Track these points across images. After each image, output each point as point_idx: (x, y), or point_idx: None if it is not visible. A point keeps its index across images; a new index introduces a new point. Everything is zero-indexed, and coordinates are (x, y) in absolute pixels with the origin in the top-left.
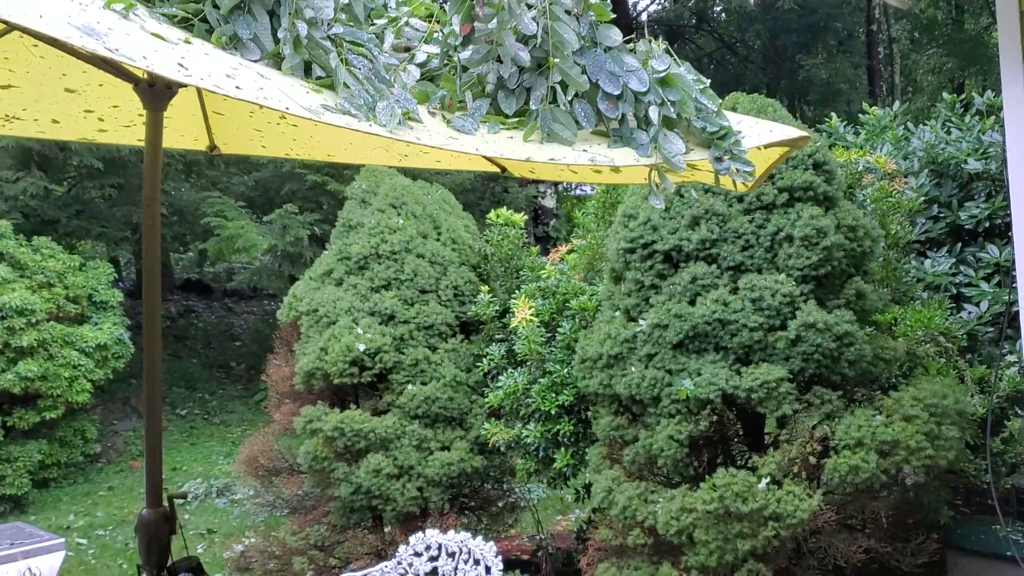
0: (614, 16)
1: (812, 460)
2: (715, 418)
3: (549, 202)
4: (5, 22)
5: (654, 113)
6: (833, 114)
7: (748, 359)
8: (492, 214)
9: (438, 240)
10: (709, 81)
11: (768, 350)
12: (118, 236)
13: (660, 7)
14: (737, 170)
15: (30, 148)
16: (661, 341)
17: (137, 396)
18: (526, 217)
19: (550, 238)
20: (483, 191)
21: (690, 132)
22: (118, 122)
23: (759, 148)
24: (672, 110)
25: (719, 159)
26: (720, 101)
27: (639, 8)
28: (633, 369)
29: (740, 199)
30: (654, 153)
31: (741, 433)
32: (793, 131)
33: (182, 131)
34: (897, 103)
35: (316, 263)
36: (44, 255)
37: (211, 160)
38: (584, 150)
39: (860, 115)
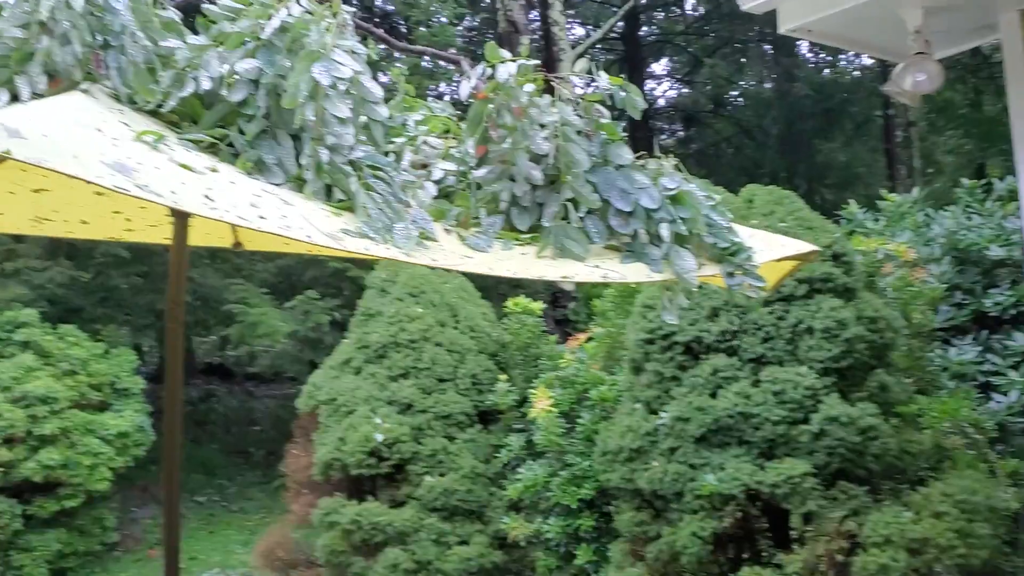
0: (625, 135)
1: (839, 558)
2: (740, 514)
3: (568, 285)
4: (44, 169)
5: (665, 230)
6: (852, 200)
7: (772, 453)
8: (510, 302)
9: (456, 328)
10: (720, 197)
11: (792, 444)
12: (142, 323)
13: (677, 93)
14: (749, 285)
15: (58, 238)
16: (683, 434)
17: (156, 484)
18: (544, 305)
19: (569, 322)
20: (500, 277)
21: (702, 247)
22: (145, 222)
23: (772, 261)
24: (683, 227)
25: (731, 274)
26: (731, 216)
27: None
28: (655, 463)
29: None
30: (666, 269)
31: (766, 529)
32: (804, 245)
33: (207, 230)
34: (916, 189)
35: (336, 351)
36: (69, 343)
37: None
38: (596, 266)
39: (879, 200)
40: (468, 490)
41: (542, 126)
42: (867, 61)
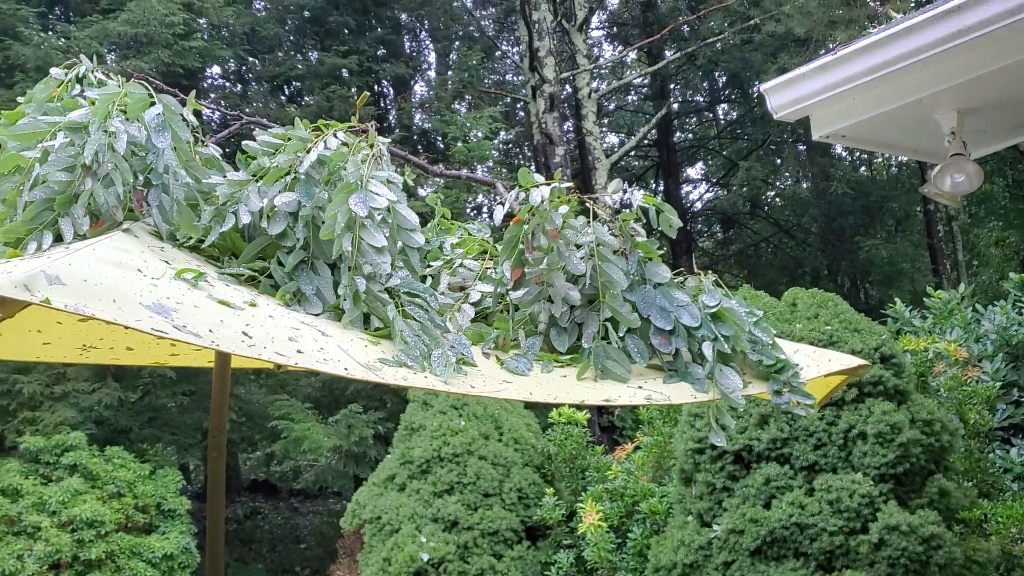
0: (662, 252)
1: None
2: None
3: None
4: (84, 315)
5: (708, 349)
6: (897, 299)
7: (831, 566)
8: (554, 412)
9: (500, 440)
10: (762, 313)
11: (851, 555)
12: (188, 442)
13: (714, 195)
14: (798, 403)
15: None
16: (738, 548)
17: None
18: (589, 415)
19: (615, 428)
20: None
21: (746, 364)
22: (189, 347)
23: (820, 377)
24: (726, 345)
25: (778, 392)
26: (774, 332)
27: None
28: None
29: None
30: (711, 389)
31: None
32: (852, 360)
33: None
34: (963, 285)
35: (379, 468)
36: (116, 464)
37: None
38: (640, 387)
39: (925, 297)
40: None
41: (578, 246)
42: (903, 158)
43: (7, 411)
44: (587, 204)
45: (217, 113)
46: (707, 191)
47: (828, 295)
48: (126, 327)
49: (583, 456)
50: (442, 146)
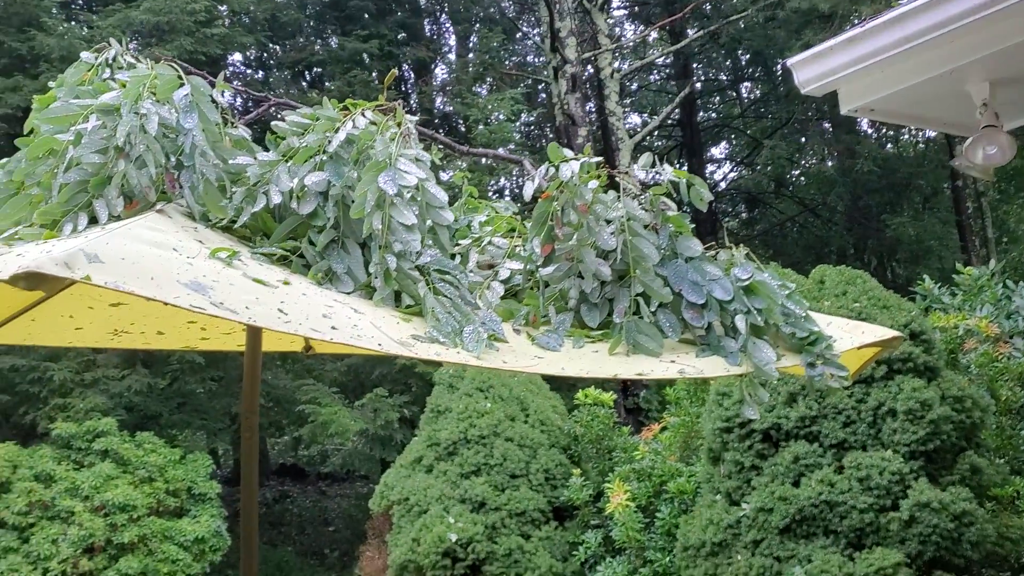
0: (693, 226)
1: None
2: None
3: None
4: (123, 292)
5: (741, 322)
6: (926, 276)
7: (860, 543)
8: (580, 394)
9: (526, 422)
10: (795, 286)
11: (881, 533)
12: (217, 427)
13: (738, 175)
14: (831, 375)
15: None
16: (767, 526)
17: None
18: (615, 395)
19: (641, 410)
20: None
21: (779, 337)
22: (219, 330)
23: (853, 349)
24: (759, 318)
25: (812, 365)
26: (808, 304)
27: (716, 177)
28: (739, 557)
29: None
30: (744, 362)
31: None
32: (886, 332)
33: (279, 336)
34: (993, 261)
35: (407, 450)
36: (146, 450)
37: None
38: (672, 361)
39: (954, 274)
40: None
41: (608, 222)
42: (931, 133)
43: (39, 398)
44: (617, 179)
45: (239, 100)
46: (731, 170)
47: (856, 272)
48: (165, 303)
49: (610, 437)
50: (463, 129)
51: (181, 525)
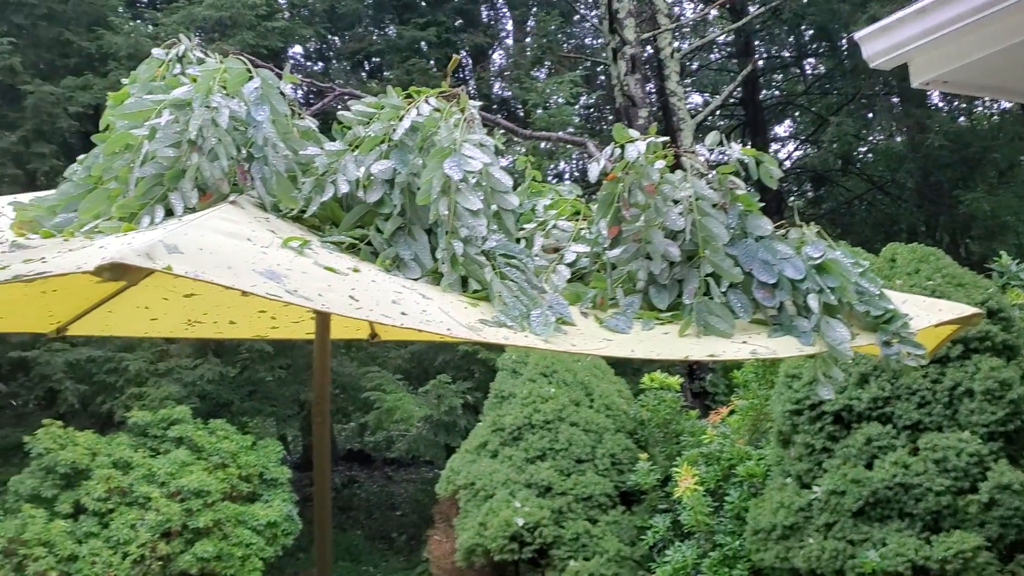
0: (763, 204)
1: None
2: None
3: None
4: (202, 282)
5: (813, 301)
6: (1003, 252)
7: (937, 526)
8: (646, 378)
9: (591, 407)
10: (868, 264)
11: (959, 515)
12: (287, 414)
13: (803, 153)
14: (908, 354)
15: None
16: (839, 509)
17: (306, 572)
18: (681, 379)
19: (708, 394)
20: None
21: (853, 316)
22: (288, 319)
23: (930, 327)
24: (832, 296)
25: (888, 343)
26: (882, 282)
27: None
28: (811, 540)
29: None
30: (817, 342)
31: None
32: (965, 309)
33: (345, 323)
34: None
35: (471, 435)
36: (219, 436)
37: None
38: (744, 342)
39: None
40: (615, 574)
41: (675, 202)
42: (1007, 105)
43: (115, 388)
44: (683, 159)
45: (301, 92)
46: (796, 149)
47: (929, 249)
48: (243, 292)
49: (677, 421)
50: (522, 114)
51: (254, 510)
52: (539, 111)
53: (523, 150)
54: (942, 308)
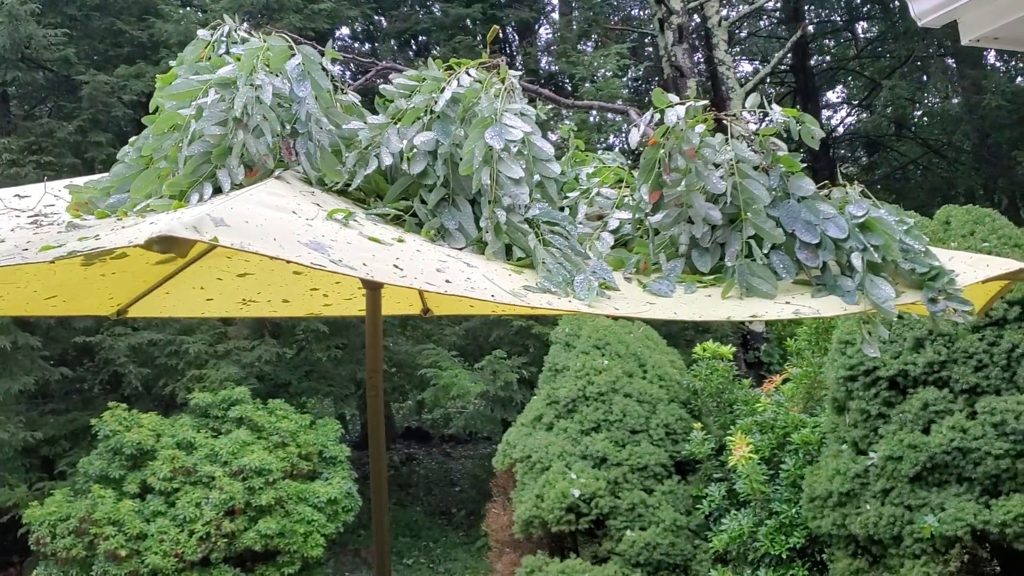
0: (804, 165)
1: None
2: (967, 557)
3: (758, 326)
4: (248, 252)
5: (857, 259)
6: None
7: (997, 490)
8: (699, 348)
9: (644, 378)
10: (912, 221)
11: (1019, 479)
12: (344, 393)
13: (856, 119)
14: (955, 310)
15: (263, 319)
16: (896, 475)
17: (367, 548)
18: (734, 348)
19: (762, 364)
20: (685, 321)
21: (898, 274)
22: (340, 296)
23: (978, 283)
24: (876, 255)
25: (933, 300)
26: (928, 240)
27: (834, 122)
28: (868, 506)
29: None
30: (862, 300)
31: (1000, 572)
32: (1012, 263)
33: (397, 299)
34: None
35: (526, 409)
36: (278, 416)
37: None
38: (787, 302)
39: None
40: (671, 543)
41: (716, 165)
42: None
43: (176, 370)
44: (724, 122)
45: (347, 72)
46: (848, 114)
47: (984, 211)
48: (287, 261)
49: (730, 390)
50: (570, 88)
51: (314, 487)
52: (587, 84)
53: (571, 123)
54: (990, 264)
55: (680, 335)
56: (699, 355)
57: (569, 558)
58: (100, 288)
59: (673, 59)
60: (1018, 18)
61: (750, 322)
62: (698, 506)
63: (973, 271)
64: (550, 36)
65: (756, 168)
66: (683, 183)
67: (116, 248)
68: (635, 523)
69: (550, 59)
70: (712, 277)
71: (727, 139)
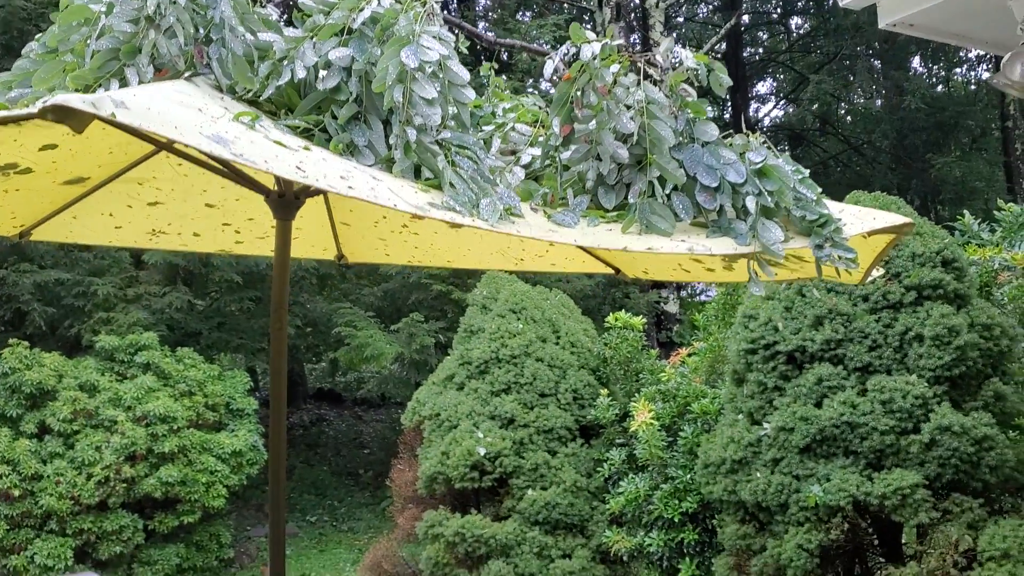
0: (711, 116)
1: (954, 572)
2: (847, 526)
3: (672, 307)
4: (145, 133)
5: (751, 203)
6: (966, 212)
7: (880, 464)
8: (611, 317)
9: (557, 344)
10: (808, 171)
11: (901, 455)
12: (255, 347)
13: (783, 112)
14: (839, 257)
15: (176, 264)
16: (787, 445)
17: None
18: (645, 320)
19: (673, 344)
20: (603, 297)
21: (790, 221)
22: (253, 234)
23: (863, 236)
24: (770, 200)
25: (820, 247)
26: (820, 190)
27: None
28: (758, 475)
29: (865, 298)
30: (753, 242)
31: (877, 543)
32: (897, 218)
33: (312, 242)
34: None
35: (439, 368)
36: (187, 365)
37: (343, 273)
38: (683, 240)
39: (996, 212)
40: (570, 504)
41: (628, 107)
42: (985, 74)
43: (83, 312)
44: (639, 65)
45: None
46: (775, 107)
47: (891, 198)
48: (186, 144)
49: (638, 360)
50: (506, 56)
51: (219, 438)
52: (523, 54)
53: (506, 91)
54: (876, 217)
55: (597, 310)
56: (611, 324)
57: (471, 514)
58: (2, 205)
59: (610, 37)
60: (932, 6)
61: (646, 253)
62: (599, 469)
63: (860, 223)
64: (488, 2)
65: (665, 111)
66: (594, 121)
67: (8, 118)
68: (537, 483)
69: (487, 26)
70: (615, 214)
71: (639, 81)
